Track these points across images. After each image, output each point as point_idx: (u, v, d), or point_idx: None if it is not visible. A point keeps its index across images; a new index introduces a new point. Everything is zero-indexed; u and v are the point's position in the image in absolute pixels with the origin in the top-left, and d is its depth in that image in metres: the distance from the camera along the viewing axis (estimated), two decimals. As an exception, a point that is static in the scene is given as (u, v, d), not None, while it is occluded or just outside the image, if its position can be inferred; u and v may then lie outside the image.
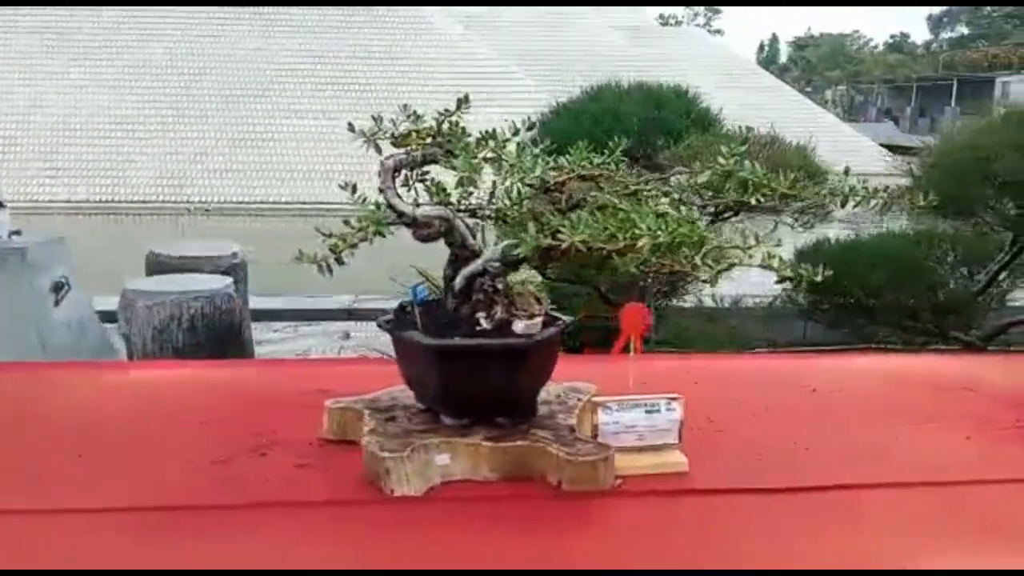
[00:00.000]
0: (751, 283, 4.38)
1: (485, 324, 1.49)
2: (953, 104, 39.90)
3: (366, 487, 1.43)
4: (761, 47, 73.49)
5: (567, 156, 1.54)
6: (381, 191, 1.52)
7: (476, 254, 1.52)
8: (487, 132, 1.50)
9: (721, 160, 1.51)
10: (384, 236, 1.48)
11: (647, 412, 1.50)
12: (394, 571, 1.25)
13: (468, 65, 20.21)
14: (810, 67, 51.62)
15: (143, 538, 1.32)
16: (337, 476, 1.50)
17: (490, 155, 1.48)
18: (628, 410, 1.49)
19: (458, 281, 1.55)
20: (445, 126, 1.55)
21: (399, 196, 1.53)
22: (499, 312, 1.49)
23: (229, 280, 4.25)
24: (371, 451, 1.44)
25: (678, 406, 1.51)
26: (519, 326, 1.48)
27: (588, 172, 1.53)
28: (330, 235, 1.47)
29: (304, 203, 15.01)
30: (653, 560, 1.28)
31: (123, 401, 1.93)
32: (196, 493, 1.45)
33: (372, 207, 1.50)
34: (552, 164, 1.50)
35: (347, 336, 5.97)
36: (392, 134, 1.52)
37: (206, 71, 17.54)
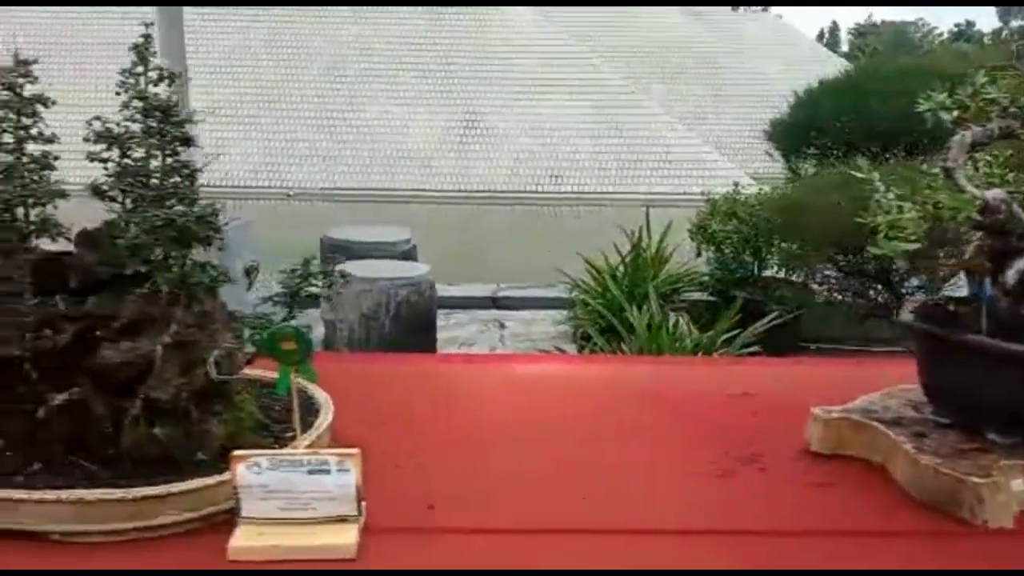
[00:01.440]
0: None
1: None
2: None
3: (934, 514, 1.24)
4: (821, 35, 71.95)
5: None
6: (947, 171, 1.32)
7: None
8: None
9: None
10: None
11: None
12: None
13: (548, 53, 19.94)
14: (877, 55, 50.29)
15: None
16: (883, 500, 1.31)
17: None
18: None
19: (1011, 276, 1.34)
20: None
21: (966, 177, 1.32)
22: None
23: (427, 267, 4.10)
24: (953, 476, 1.24)
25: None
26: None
27: None
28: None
29: (396, 190, 14.91)
30: None
31: (546, 399, 1.75)
32: (740, 513, 1.27)
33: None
34: None
35: (502, 326, 5.83)
36: (962, 106, 1.31)
37: (307, 56, 17.52)
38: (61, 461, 1.23)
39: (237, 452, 1.16)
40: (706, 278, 5.75)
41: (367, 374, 1.89)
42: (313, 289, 1.34)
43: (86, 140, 1.37)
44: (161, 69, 1.42)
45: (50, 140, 1.36)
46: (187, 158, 1.42)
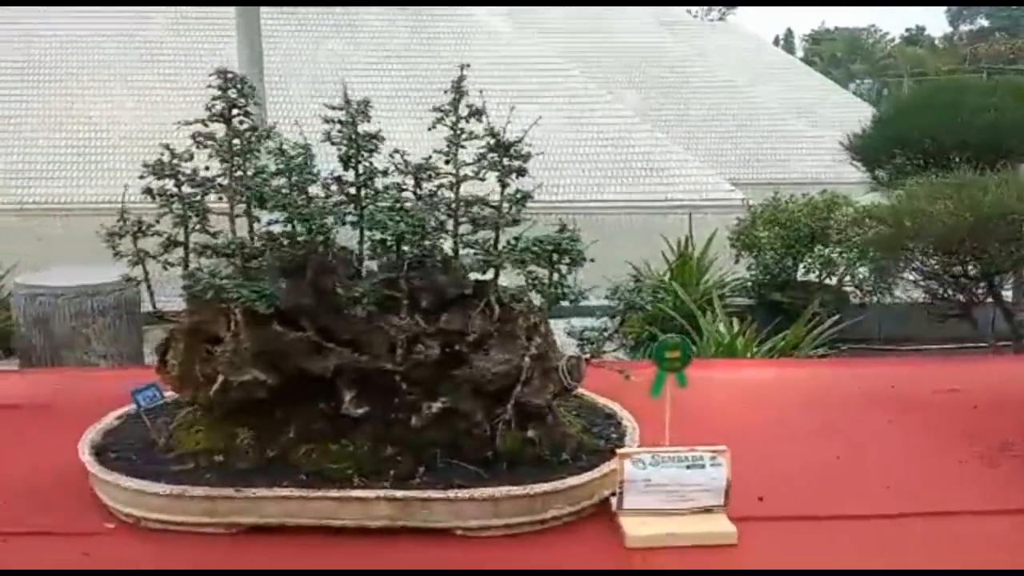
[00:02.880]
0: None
1: None
2: (983, 97, 39.65)
3: None
4: (776, 42, 73.06)
5: None
6: None
7: None
8: None
9: None
10: None
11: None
12: None
13: (527, 64, 20.12)
14: (835, 60, 51.40)
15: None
16: None
17: None
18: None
19: None
20: None
21: None
22: None
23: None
24: None
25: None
26: None
27: None
28: None
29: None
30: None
31: (789, 399, 1.89)
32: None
33: None
34: None
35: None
36: None
37: (283, 72, 17.48)
38: (436, 465, 1.35)
39: (623, 449, 1.29)
40: (748, 283, 5.96)
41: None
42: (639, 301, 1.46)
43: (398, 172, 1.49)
44: (470, 105, 1.55)
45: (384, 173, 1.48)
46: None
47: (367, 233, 1.43)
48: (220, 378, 1.31)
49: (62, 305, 4.03)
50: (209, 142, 1.37)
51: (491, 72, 19.67)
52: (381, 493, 1.26)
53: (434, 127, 1.58)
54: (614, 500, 1.31)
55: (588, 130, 19.19)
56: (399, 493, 1.26)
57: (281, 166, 1.44)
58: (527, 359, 1.36)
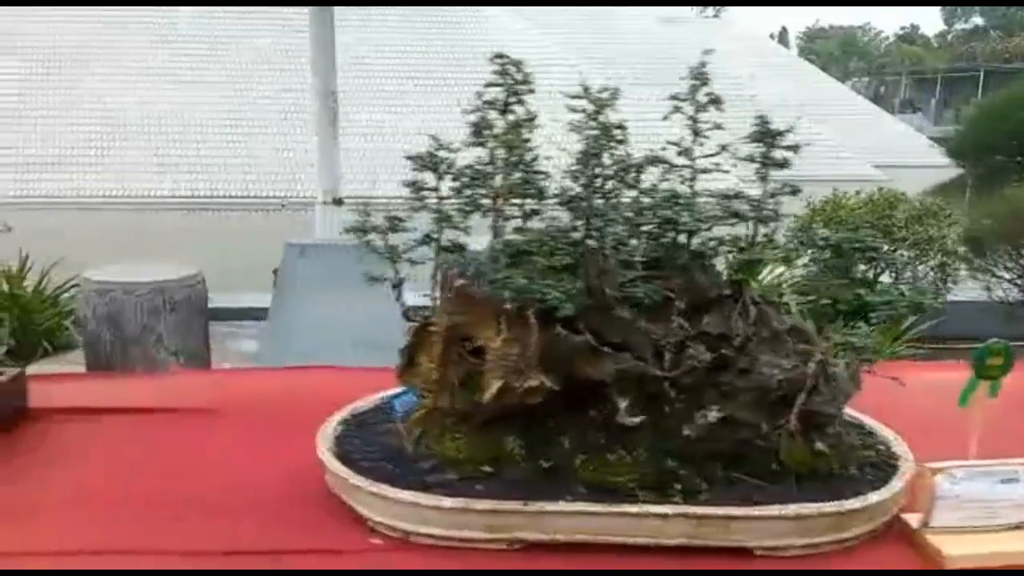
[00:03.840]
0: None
1: None
2: (980, 95, 39.82)
3: None
4: (771, 39, 73.16)
5: None
6: None
7: None
8: None
9: None
10: None
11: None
12: None
13: (533, 59, 19.98)
14: (832, 59, 51.48)
15: None
16: None
17: None
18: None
19: None
20: None
21: None
22: None
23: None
24: None
25: None
26: None
27: None
28: None
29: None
30: None
31: None
32: None
33: None
34: None
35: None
36: None
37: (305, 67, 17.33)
38: (717, 477, 1.26)
39: (934, 464, 1.21)
40: (806, 283, 5.84)
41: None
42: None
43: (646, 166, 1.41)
44: (709, 93, 1.47)
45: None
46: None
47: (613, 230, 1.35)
48: (496, 383, 1.22)
49: (135, 301, 3.92)
50: (486, 133, 1.28)
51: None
52: (680, 510, 1.18)
53: (668, 117, 1.50)
54: (911, 517, 1.23)
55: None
56: (699, 510, 1.18)
57: (514, 159, 1.36)
58: (812, 365, 1.28)
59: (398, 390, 1.37)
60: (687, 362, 1.28)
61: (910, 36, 64.22)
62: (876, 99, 45.69)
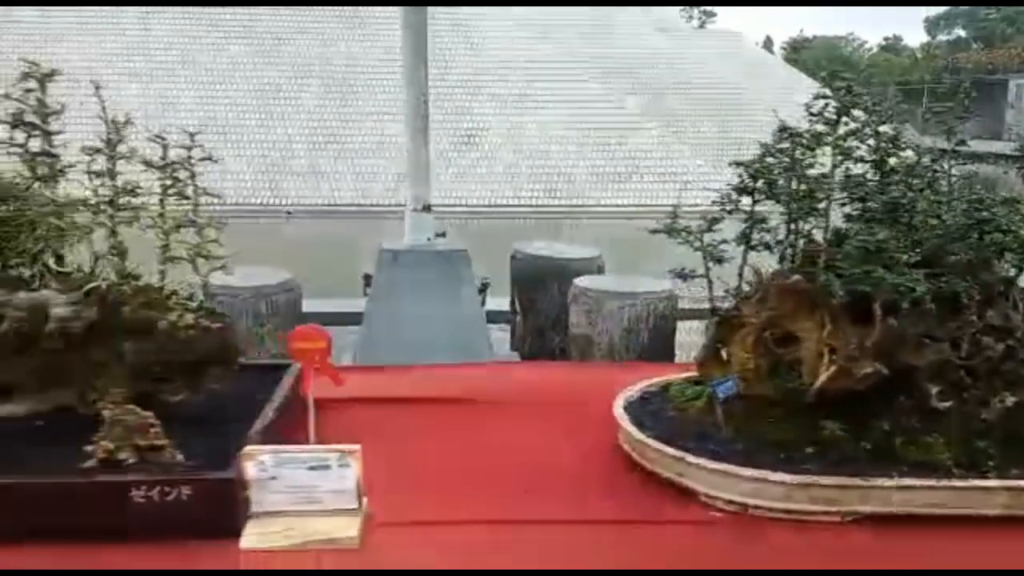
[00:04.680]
0: None
1: None
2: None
3: None
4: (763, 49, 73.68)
5: None
6: None
7: None
8: None
9: None
10: None
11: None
12: None
13: (537, 67, 20.22)
14: (819, 67, 51.89)
15: None
16: None
17: None
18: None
19: None
20: None
21: None
22: None
23: (667, 283, 4.27)
24: None
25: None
26: None
27: None
28: None
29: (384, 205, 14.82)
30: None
31: None
32: None
33: None
34: None
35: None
36: None
37: (293, 72, 17.37)
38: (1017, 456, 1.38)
39: None
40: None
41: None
42: None
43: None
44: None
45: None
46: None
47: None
48: (827, 370, 1.34)
49: (240, 306, 4.00)
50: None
51: (504, 74, 19.77)
52: (1000, 483, 1.30)
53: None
54: None
55: (599, 134, 19.33)
56: (1018, 483, 1.31)
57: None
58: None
59: (721, 379, 1.49)
60: (984, 352, 1.41)
61: (893, 46, 65.02)
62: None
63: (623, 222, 15.95)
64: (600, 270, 5.18)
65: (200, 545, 1.23)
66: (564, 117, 18.91)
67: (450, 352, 4.09)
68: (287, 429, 1.46)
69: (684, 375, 1.68)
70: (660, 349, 4.23)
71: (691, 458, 1.36)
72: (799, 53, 66.38)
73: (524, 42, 20.92)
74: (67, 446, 1.35)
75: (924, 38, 63.23)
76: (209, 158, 1.47)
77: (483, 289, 4.63)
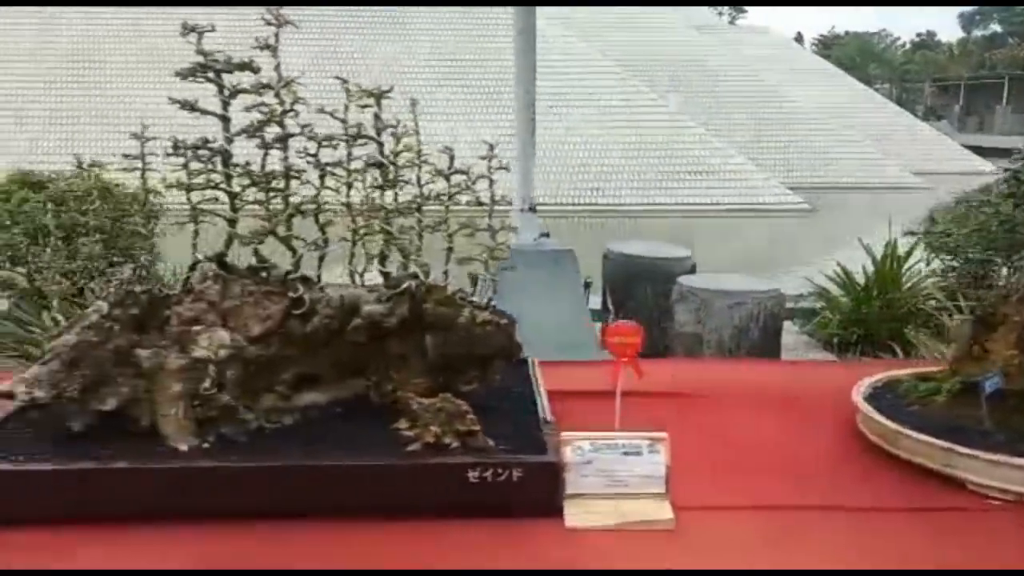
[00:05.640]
0: None
1: None
2: (1005, 102, 39.87)
3: None
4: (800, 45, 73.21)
5: None
6: None
7: None
8: None
9: None
10: None
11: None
12: None
13: (578, 66, 20.30)
14: (852, 64, 51.58)
15: None
16: None
17: None
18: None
19: None
20: None
21: None
22: None
23: (774, 284, 4.37)
24: None
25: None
26: None
27: None
28: None
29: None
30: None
31: None
32: None
33: None
34: None
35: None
36: None
37: (345, 73, 17.54)
38: None
39: None
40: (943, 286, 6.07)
41: None
42: None
43: None
44: None
45: None
46: None
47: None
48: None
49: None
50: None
51: (546, 75, 19.83)
52: None
53: None
54: None
55: (640, 134, 19.36)
56: None
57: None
58: None
59: (986, 375, 1.58)
60: None
61: (927, 42, 64.30)
62: (902, 105, 45.78)
63: (661, 221, 16.08)
64: (693, 269, 5.28)
65: (530, 523, 1.35)
66: (597, 117, 18.99)
67: (558, 350, 4.20)
68: (567, 417, 1.58)
69: (907, 371, 1.79)
70: (769, 348, 4.33)
71: (961, 448, 1.46)
72: (830, 49, 65.90)
73: (559, 39, 20.91)
74: (373, 431, 1.48)
75: (959, 34, 62.57)
76: (505, 168, 1.59)
77: (586, 287, 4.75)
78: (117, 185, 5.74)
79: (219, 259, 1.56)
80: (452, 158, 1.62)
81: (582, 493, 1.39)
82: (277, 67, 1.44)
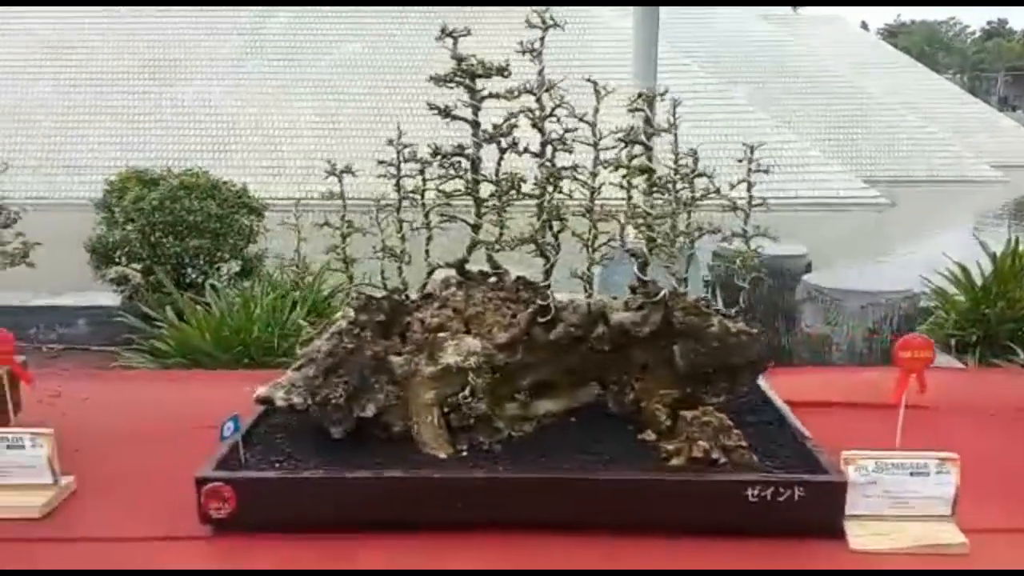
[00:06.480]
0: None
1: None
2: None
3: None
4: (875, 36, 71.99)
5: None
6: None
7: None
8: None
9: None
10: None
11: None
12: None
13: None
14: (923, 53, 50.27)
15: None
16: None
17: None
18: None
19: None
20: None
21: None
22: None
23: (907, 284, 4.23)
24: None
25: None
26: None
27: None
28: None
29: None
30: None
31: None
32: None
33: None
34: None
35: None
36: None
37: (404, 68, 17.57)
38: None
39: None
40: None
41: None
42: None
43: None
44: None
45: None
46: None
47: None
48: None
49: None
50: None
51: (613, 67, 19.67)
52: None
53: None
54: None
55: (708, 126, 19.06)
56: None
57: None
58: None
59: None
60: None
61: (999, 31, 62.36)
62: (975, 95, 44.49)
63: (734, 216, 15.73)
64: (809, 267, 5.15)
65: (811, 543, 1.28)
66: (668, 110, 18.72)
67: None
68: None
69: None
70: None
71: None
72: (896, 38, 64.36)
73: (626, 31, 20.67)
74: (618, 442, 1.43)
75: (1034, 21, 60.47)
76: (764, 171, 1.52)
77: (706, 286, 4.66)
78: (224, 183, 5.82)
79: (460, 266, 1.53)
80: (696, 160, 1.56)
81: (863, 514, 1.32)
82: (541, 71, 1.40)
